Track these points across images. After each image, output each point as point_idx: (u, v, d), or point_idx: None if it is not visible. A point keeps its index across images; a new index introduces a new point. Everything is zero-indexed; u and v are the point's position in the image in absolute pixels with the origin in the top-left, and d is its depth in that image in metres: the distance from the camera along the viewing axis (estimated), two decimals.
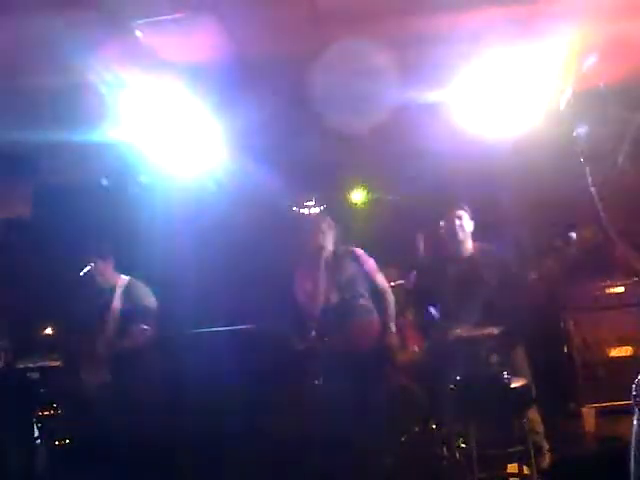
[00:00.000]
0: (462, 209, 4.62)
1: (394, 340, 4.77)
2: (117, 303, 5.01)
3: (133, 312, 4.98)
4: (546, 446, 4.48)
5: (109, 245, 5.28)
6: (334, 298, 4.60)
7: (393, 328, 4.77)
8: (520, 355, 4.58)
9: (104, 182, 6.08)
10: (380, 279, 4.80)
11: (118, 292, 5.06)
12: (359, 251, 4.79)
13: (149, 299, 5.12)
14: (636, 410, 0.74)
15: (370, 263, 4.80)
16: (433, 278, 4.68)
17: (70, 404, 5.17)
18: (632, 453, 0.74)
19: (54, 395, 5.29)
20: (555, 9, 3.97)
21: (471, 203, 4.79)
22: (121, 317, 4.98)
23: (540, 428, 4.48)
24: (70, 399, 5.16)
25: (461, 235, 4.59)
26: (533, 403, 4.40)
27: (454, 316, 4.42)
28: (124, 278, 5.16)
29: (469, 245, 4.65)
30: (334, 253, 4.73)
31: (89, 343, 4.94)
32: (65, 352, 5.16)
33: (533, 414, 4.45)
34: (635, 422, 0.73)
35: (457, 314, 4.40)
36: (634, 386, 0.75)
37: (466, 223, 4.62)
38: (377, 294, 4.73)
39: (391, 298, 4.80)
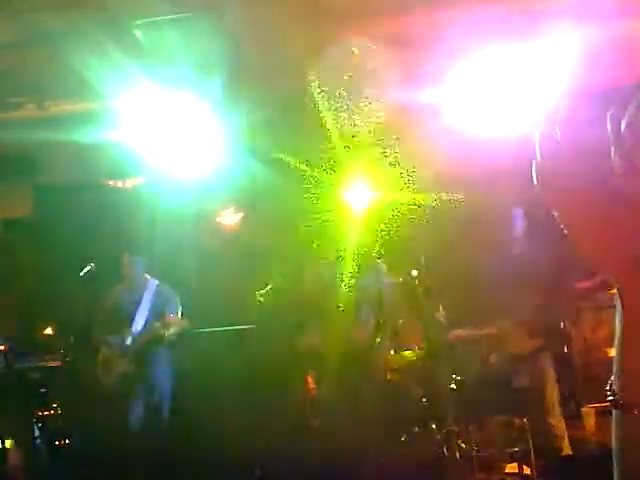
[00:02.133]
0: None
1: (383, 357, 4.78)
2: (148, 301, 5.18)
3: (164, 310, 5.15)
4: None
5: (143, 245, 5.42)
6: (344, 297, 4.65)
7: (386, 344, 4.79)
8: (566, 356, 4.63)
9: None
10: (388, 298, 4.84)
11: (149, 291, 5.23)
12: (384, 267, 4.85)
13: (177, 301, 5.29)
14: (614, 412, 0.75)
15: (387, 282, 4.86)
16: None
17: (70, 404, 5.18)
18: (615, 460, 0.75)
19: (54, 395, 5.30)
20: (555, 8, 3.97)
21: (473, 202, 4.79)
22: (151, 314, 5.16)
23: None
24: (70, 398, 5.18)
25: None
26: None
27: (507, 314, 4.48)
28: (153, 280, 5.31)
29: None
30: (359, 256, 4.80)
31: (116, 336, 5.07)
32: (86, 346, 5.26)
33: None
34: (614, 425, 0.74)
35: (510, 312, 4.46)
36: (608, 387, 0.76)
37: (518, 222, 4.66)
38: (380, 310, 4.76)
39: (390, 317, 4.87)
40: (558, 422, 4.53)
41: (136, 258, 5.26)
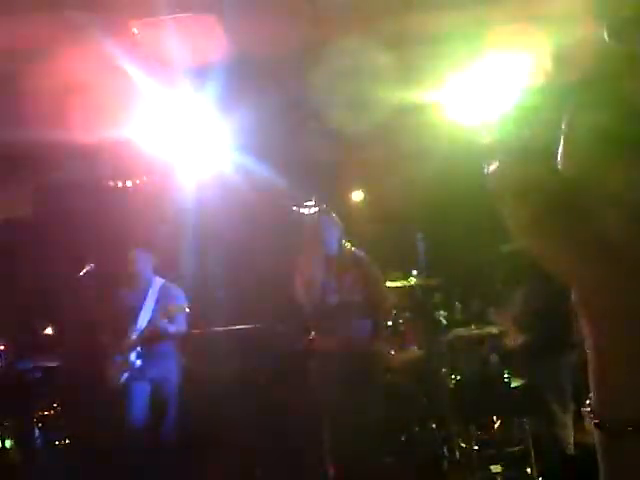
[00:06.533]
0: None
1: (384, 347, 4.75)
2: (151, 301, 5.00)
3: (165, 312, 4.98)
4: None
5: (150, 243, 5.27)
6: (333, 298, 4.59)
7: (384, 335, 4.77)
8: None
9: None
10: (380, 287, 4.77)
11: (155, 290, 5.04)
12: (364, 256, 4.76)
13: (182, 301, 5.12)
14: (597, 433, 0.71)
15: (373, 270, 4.77)
16: None
17: (70, 404, 5.18)
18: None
19: (54, 395, 5.29)
20: (553, 10, 3.97)
21: (473, 202, 4.78)
22: (153, 316, 4.99)
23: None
24: (70, 399, 5.17)
25: None
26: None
27: None
28: (159, 279, 5.13)
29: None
30: (338, 252, 4.70)
31: (117, 338, 4.96)
32: (78, 349, 5.18)
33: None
34: (599, 447, 0.71)
35: None
36: (588, 407, 0.73)
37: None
38: (373, 301, 4.72)
39: (387, 306, 4.83)
40: (570, 421, 4.55)
41: (142, 254, 5.05)
